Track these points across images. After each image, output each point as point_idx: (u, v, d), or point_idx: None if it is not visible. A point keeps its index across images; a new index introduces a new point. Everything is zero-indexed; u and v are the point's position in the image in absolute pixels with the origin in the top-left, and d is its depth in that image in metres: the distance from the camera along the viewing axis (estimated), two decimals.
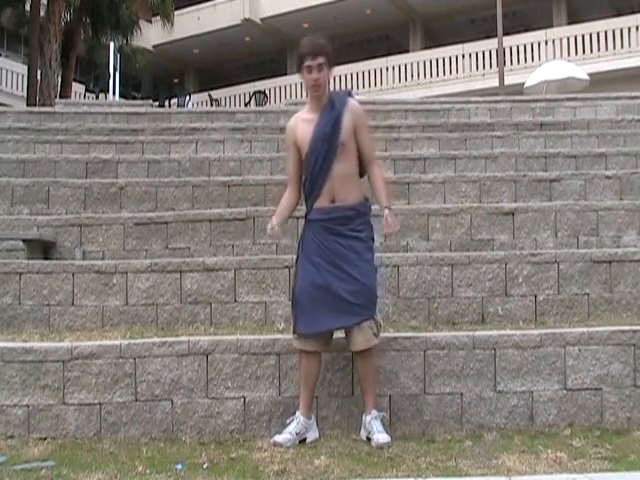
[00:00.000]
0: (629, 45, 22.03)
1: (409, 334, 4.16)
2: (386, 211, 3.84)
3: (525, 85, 16.91)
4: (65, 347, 3.91)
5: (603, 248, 5.88)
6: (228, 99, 27.42)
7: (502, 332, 4.19)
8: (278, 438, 3.65)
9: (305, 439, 3.71)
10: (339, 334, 3.86)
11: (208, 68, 31.88)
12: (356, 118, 3.86)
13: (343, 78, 25.91)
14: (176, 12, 24.60)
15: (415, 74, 25.08)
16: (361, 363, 3.80)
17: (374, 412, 3.74)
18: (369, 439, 3.69)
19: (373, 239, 3.90)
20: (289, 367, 3.94)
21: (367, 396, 3.79)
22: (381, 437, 3.62)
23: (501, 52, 18.80)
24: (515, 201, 6.84)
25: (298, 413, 3.75)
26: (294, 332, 3.82)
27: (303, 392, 3.78)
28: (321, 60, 3.78)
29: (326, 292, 3.70)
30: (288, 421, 3.76)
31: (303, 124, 3.89)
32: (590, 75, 16.83)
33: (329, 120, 3.82)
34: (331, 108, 3.84)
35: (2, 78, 25.18)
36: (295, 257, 3.95)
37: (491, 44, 22.57)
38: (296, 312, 3.79)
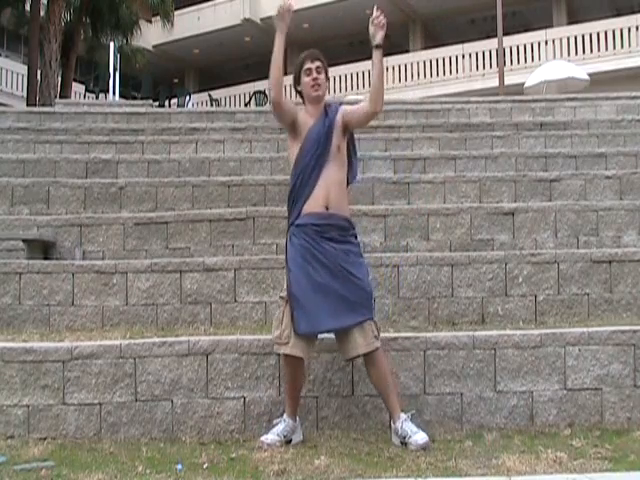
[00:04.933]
0: (629, 45, 22.05)
1: (409, 334, 4.15)
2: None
3: (525, 85, 16.92)
4: (65, 347, 3.91)
5: (603, 248, 5.88)
6: (228, 99, 27.41)
7: (502, 332, 4.19)
8: (266, 439, 3.62)
9: (290, 440, 3.66)
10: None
11: (208, 68, 31.87)
12: (345, 114, 3.89)
13: (344, 78, 25.93)
14: (176, 12, 24.62)
15: (415, 74, 25.10)
16: (372, 369, 3.67)
17: (402, 415, 3.59)
18: (404, 444, 3.53)
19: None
20: None
21: (390, 402, 3.64)
22: (419, 438, 3.48)
23: (501, 52, 18.81)
24: (515, 201, 6.85)
25: (285, 416, 3.71)
26: (281, 337, 3.64)
27: (290, 398, 3.72)
28: (319, 64, 3.90)
29: (326, 291, 3.61)
30: (275, 422, 3.73)
31: (303, 114, 3.93)
32: (590, 75, 16.84)
33: (324, 123, 3.86)
34: (325, 115, 3.90)
35: (2, 78, 25.20)
36: (285, 261, 3.82)
37: (491, 44, 22.60)
38: (296, 312, 3.61)
